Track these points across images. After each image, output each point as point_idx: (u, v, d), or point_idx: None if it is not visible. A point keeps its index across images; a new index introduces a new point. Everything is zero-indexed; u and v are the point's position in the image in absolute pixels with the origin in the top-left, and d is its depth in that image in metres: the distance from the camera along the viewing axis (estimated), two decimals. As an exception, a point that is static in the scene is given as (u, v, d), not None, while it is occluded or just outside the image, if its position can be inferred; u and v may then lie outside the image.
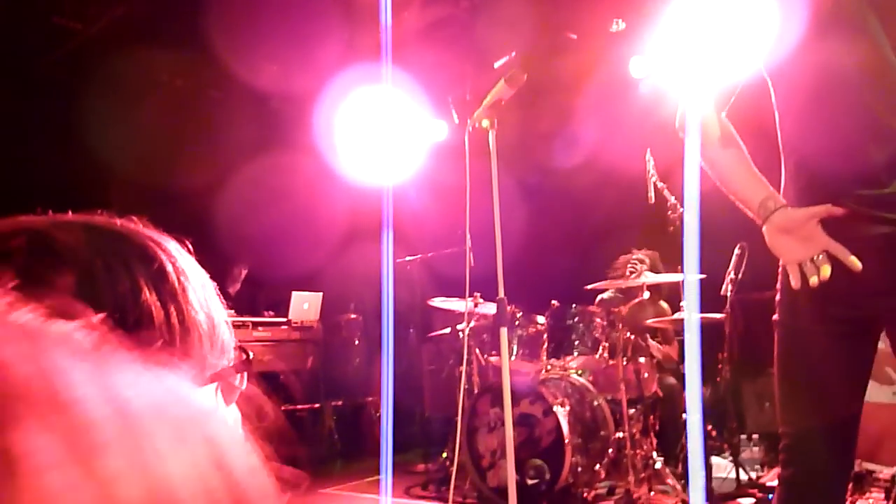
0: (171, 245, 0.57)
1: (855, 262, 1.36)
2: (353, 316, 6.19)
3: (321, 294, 5.89)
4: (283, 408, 5.54)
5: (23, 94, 5.09)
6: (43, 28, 4.68)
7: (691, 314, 3.49)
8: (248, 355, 0.61)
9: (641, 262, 4.24)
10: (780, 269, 1.50)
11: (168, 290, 0.53)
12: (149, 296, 0.52)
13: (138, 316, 0.50)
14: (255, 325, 5.48)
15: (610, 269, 4.42)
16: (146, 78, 5.18)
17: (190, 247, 0.61)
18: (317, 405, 5.82)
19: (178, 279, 0.55)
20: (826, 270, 1.38)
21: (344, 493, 4.60)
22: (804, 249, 1.39)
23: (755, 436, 4.49)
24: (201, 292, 0.56)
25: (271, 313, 5.84)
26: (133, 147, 5.25)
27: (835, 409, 1.44)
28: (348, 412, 5.93)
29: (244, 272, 6.00)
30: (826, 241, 1.39)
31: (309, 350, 5.79)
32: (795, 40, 1.45)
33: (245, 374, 0.60)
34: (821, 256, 1.39)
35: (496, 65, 5.44)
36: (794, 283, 1.41)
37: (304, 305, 5.79)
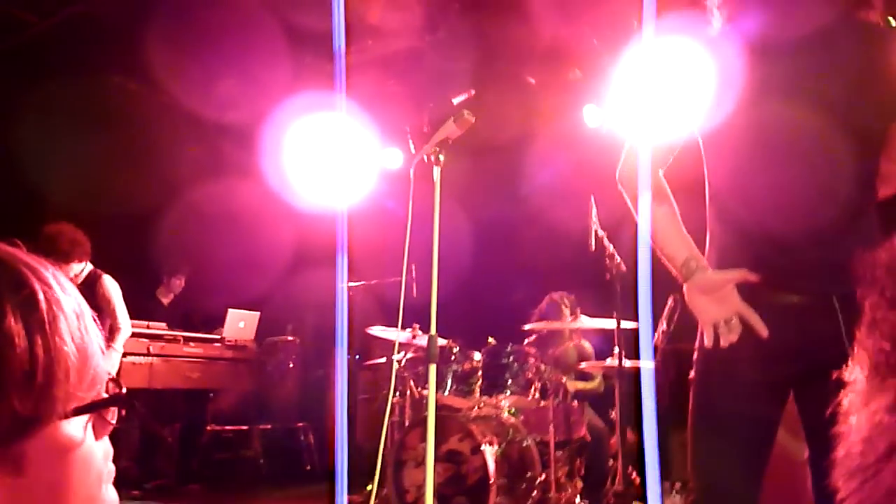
0: (48, 273, 0.56)
1: (762, 328, 1.39)
2: (289, 338, 6.09)
3: (258, 314, 5.86)
4: (209, 428, 5.45)
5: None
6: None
7: (645, 362, 3.48)
8: (121, 389, 0.60)
9: (570, 304, 4.30)
10: (698, 329, 1.53)
11: (36, 319, 0.52)
12: (13, 323, 0.51)
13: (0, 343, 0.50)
14: (187, 340, 5.38)
15: (537, 310, 4.47)
16: (95, 78, 5.03)
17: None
18: (245, 427, 5.66)
19: (49, 308, 0.53)
20: (735, 333, 1.40)
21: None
22: (719, 311, 1.42)
23: (678, 484, 4.53)
24: (74, 322, 0.55)
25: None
26: (76, 147, 5.13)
27: (739, 465, 1.47)
28: (278, 436, 5.78)
29: (181, 283, 5.84)
30: (739, 305, 1.42)
31: (241, 370, 5.70)
32: (727, 107, 1.49)
33: (118, 409, 0.59)
34: (734, 320, 1.41)
35: (455, 101, 5.49)
36: (707, 342, 1.44)
37: (240, 324, 5.77)
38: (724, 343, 1.41)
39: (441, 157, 2.74)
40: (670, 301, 3.84)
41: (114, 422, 0.58)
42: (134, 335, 4.83)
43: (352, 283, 5.04)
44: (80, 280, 3.91)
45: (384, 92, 5.24)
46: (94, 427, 0.56)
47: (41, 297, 0.54)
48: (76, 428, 0.54)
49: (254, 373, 5.75)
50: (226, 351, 5.59)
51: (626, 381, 3.86)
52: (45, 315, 0.53)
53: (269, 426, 5.75)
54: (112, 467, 0.59)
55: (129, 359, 4.85)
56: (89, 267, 3.97)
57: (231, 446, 5.64)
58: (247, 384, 5.72)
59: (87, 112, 5.13)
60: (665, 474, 4.32)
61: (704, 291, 1.45)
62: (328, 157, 5.04)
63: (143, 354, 5.00)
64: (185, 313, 5.74)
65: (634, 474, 4.07)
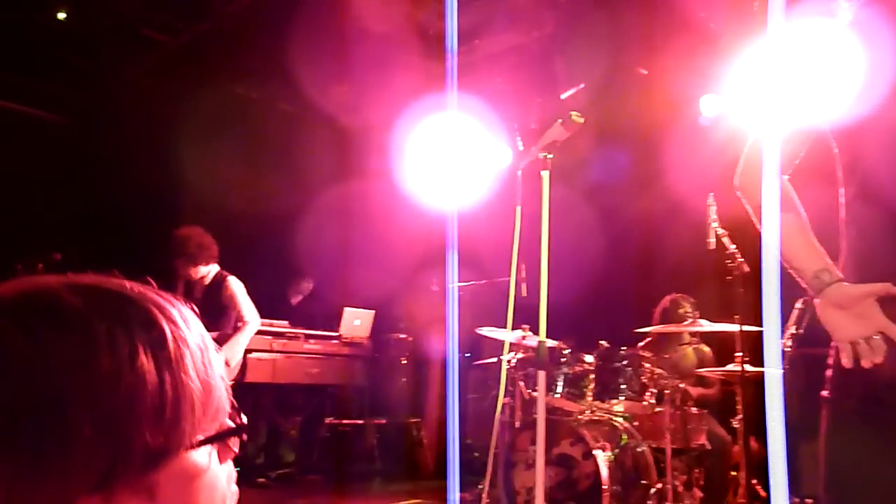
0: (175, 311, 0.59)
1: None
2: (402, 336, 6.15)
3: (373, 312, 5.92)
4: (328, 421, 5.64)
5: (108, 102, 5.36)
6: (131, 38, 4.89)
7: (771, 369, 3.25)
8: (242, 417, 0.63)
9: (691, 307, 4.09)
10: (831, 345, 1.38)
11: (165, 356, 0.56)
12: (145, 362, 0.54)
13: (133, 381, 0.53)
14: (307, 337, 5.53)
15: (653, 312, 4.27)
16: (225, 92, 5.35)
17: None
18: (360, 421, 5.79)
19: (177, 346, 0.57)
20: (879, 354, 1.27)
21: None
22: (858, 328, 1.29)
23: (809, 501, 4.20)
24: (199, 358, 0.58)
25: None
26: (210, 155, 5.40)
27: (875, 496, 1.33)
28: (391, 431, 5.88)
29: (309, 286, 6.09)
30: (883, 322, 1.28)
31: (357, 366, 5.82)
32: (876, 101, 1.34)
33: (240, 437, 0.62)
34: (876, 338, 1.28)
35: (563, 96, 5.37)
36: (846, 361, 1.31)
37: (356, 321, 5.84)
38: (865, 364, 1.28)
39: (549, 158, 2.69)
40: (800, 303, 3.57)
41: (236, 449, 0.62)
42: (259, 332, 5.02)
43: (462, 283, 5.01)
44: (207, 281, 4.10)
45: (493, 90, 5.19)
46: (218, 453, 0.60)
47: (169, 335, 0.57)
48: (202, 456, 0.58)
49: (369, 369, 5.86)
50: (343, 347, 5.71)
51: (750, 389, 3.63)
52: (173, 353, 0.56)
53: (383, 421, 5.85)
54: (235, 489, 0.62)
55: (255, 355, 5.05)
56: (216, 269, 4.17)
57: (348, 439, 5.76)
58: (362, 380, 5.85)
59: (220, 121, 5.42)
60: (795, 489, 4.04)
61: (840, 306, 1.32)
62: (441, 157, 5.06)
63: (267, 351, 5.20)
64: (308, 312, 5.94)
65: (758, 487, 3.82)
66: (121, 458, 0.52)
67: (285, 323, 5.47)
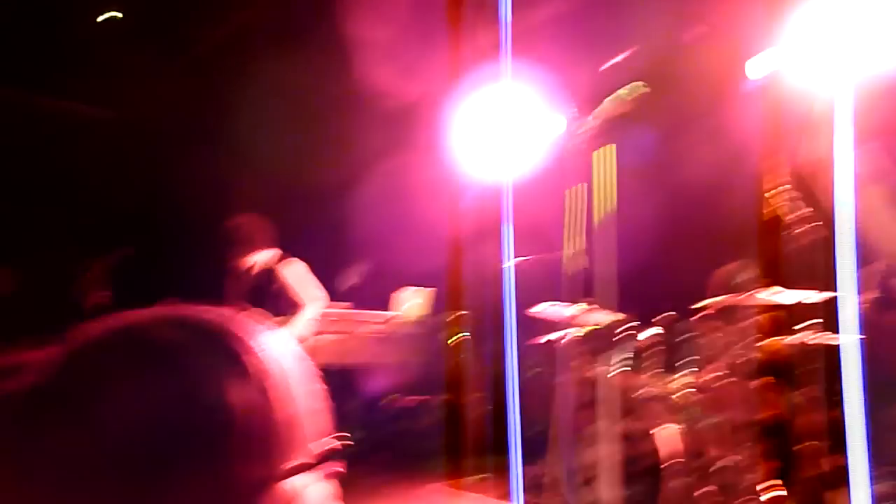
0: (261, 341, 0.59)
1: None
2: (462, 312, 5.97)
3: (433, 290, 5.88)
4: (393, 398, 5.68)
5: (158, 95, 5.40)
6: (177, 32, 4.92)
7: (848, 336, 3.11)
8: (337, 443, 0.64)
9: (753, 274, 3.91)
10: None
11: (252, 389, 0.56)
12: (233, 396, 0.55)
13: (223, 417, 0.54)
14: (369, 318, 5.64)
15: (718, 281, 4.10)
16: (273, 77, 5.34)
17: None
18: (423, 398, 5.81)
19: (264, 379, 0.57)
20: None
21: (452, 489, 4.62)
22: None
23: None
24: (286, 388, 0.59)
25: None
26: (261, 147, 5.50)
27: None
28: (454, 407, 5.87)
29: (366, 268, 6.16)
30: None
31: (419, 344, 5.82)
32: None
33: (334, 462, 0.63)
34: None
35: (616, 59, 5.19)
36: None
37: (416, 300, 5.91)
38: None
39: (607, 130, 2.61)
40: (882, 265, 3.37)
41: (330, 472, 0.63)
42: (323, 315, 5.14)
43: (519, 258, 4.86)
44: (267, 266, 4.12)
45: (545, 59, 5.05)
46: (314, 477, 0.61)
47: (256, 368, 0.57)
48: (298, 481, 0.58)
49: (430, 346, 5.78)
50: (404, 326, 5.78)
51: (825, 357, 3.43)
52: (261, 385, 0.57)
53: (446, 397, 5.84)
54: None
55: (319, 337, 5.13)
56: (275, 253, 4.19)
57: (413, 416, 5.80)
58: (424, 357, 5.77)
59: (270, 106, 5.42)
60: (875, 458, 3.83)
61: None
62: (494, 129, 4.90)
63: (332, 333, 5.28)
64: (368, 292, 5.99)
65: (834, 457, 3.65)
66: (216, 496, 0.53)
67: (348, 304, 5.56)
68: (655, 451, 3.26)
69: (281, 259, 4.23)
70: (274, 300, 4.12)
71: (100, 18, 4.85)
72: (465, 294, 5.90)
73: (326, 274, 5.07)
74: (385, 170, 5.75)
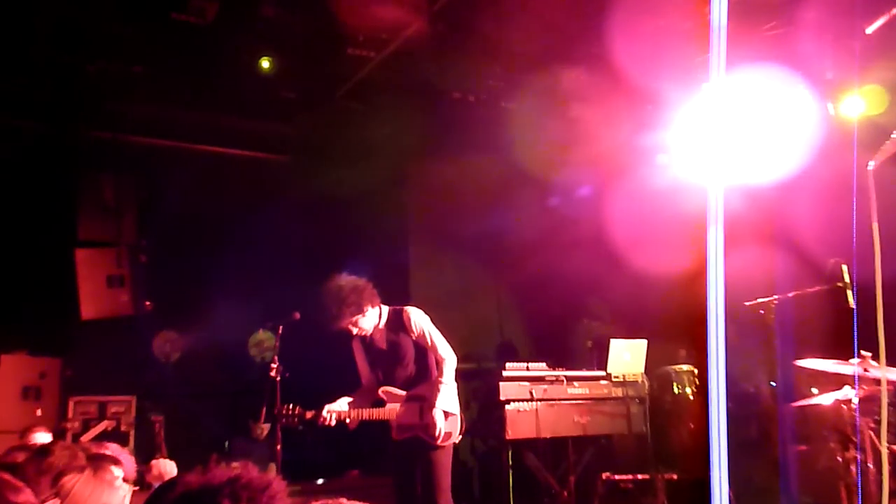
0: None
1: None
2: (684, 367, 5.28)
3: (645, 341, 5.22)
4: (604, 476, 4.90)
5: (324, 123, 5.51)
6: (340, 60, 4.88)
7: None
8: None
9: None
10: None
11: None
12: None
13: None
14: (570, 380, 5.00)
15: None
16: (434, 93, 5.25)
17: None
18: (645, 476, 4.93)
19: None
20: None
21: None
22: None
23: None
24: None
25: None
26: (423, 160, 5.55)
27: None
28: (685, 488, 4.89)
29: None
30: None
31: (633, 409, 5.10)
32: None
33: None
34: None
35: (869, 30, 4.22)
36: None
37: (625, 355, 5.17)
38: None
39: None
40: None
41: None
42: (515, 379, 4.77)
43: (762, 299, 4.16)
44: (381, 323, 3.70)
45: (780, 41, 4.15)
46: None
47: None
48: None
49: (648, 412, 5.08)
50: (614, 388, 5.09)
51: None
52: None
53: (673, 476, 4.87)
54: None
55: (514, 406, 4.71)
56: (386, 308, 3.74)
57: (631, 498, 4.96)
58: (641, 425, 5.03)
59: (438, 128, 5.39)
60: None
61: None
62: (713, 131, 4.21)
63: (527, 400, 4.75)
64: (565, 348, 5.52)
65: None
66: None
67: (542, 365, 5.00)
68: None
69: (399, 310, 3.76)
70: (412, 362, 3.68)
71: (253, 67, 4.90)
72: (689, 343, 5.39)
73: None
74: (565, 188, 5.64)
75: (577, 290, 5.69)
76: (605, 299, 5.70)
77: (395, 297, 3.93)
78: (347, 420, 3.51)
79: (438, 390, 3.54)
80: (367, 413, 3.55)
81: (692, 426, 5.04)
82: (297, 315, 3.69)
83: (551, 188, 5.84)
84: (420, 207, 6.05)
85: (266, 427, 3.56)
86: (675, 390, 5.19)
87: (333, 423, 3.48)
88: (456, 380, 3.66)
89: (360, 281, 3.64)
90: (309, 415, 3.47)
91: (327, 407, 3.48)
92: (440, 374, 3.60)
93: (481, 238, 5.84)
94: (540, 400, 4.76)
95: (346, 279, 3.63)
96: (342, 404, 3.54)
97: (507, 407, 4.63)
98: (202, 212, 5.31)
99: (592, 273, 5.38)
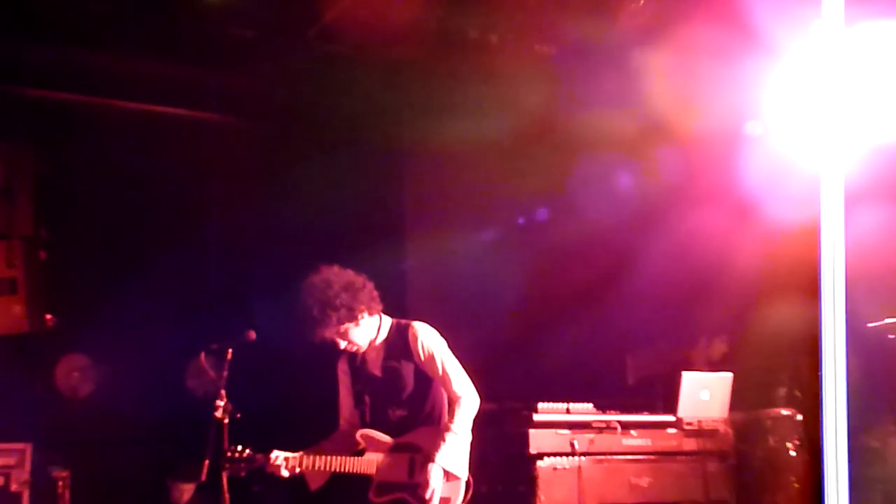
0: None
1: None
2: (784, 412, 5.42)
3: (730, 375, 5.41)
4: None
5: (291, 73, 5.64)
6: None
7: None
8: None
9: None
10: None
11: None
12: None
13: None
14: (627, 427, 5.19)
15: None
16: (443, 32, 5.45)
17: None
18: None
19: None
20: None
21: None
22: None
23: None
24: None
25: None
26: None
27: None
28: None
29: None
30: None
31: (713, 468, 5.28)
32: None
33: None
34: None
35: None
36: None
37: (703, 394, 5.36)
38: None
39: None
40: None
41: None
42: (550, 425, 4.89)
43: (889, 320, 4.44)
44: (378, 339, 3.72)
45: None
46: None
47: None
48: None
49: (734, 473, 5.28)
50: (685, 439, 5.24)
51: None
52: None
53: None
54: None
55: (549, 462, 4.80)
56: (388, 320, 3.78)
57: None
58: (725, 491, 5.21)
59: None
60: None
61: None
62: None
63: (567, 454, 4.89)
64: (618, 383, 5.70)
65: None
66: None
67: (587, 406, 5.17)
68: None
69: (404, 325, 3.78)
70: (411, 394, 3.68)
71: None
72: (785, 378, 5.67)
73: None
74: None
75: (638, 302, 5.80)
76: (678, 315, 5.82)
77: (386, 308, 3.93)
78: (299, 469, 3.49)
79: (443, 440, 3.51)
80: (337, 463, 3.52)
81: (795, 487, 5.14)
82: (252, 334, 3.64)
83: (607, 160, 5.91)
84: (422, 189, 6.15)
85: (188, 490, 3.54)
86: (771, 443, 5.27)
87: (284, 472, 3.46)
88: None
89: (356, 277, 3.63)
90: (260, 458, 3.46)
91: (276, 452, 3.47)
92: (451, 417, 3.58)
93: (505, 230, 5.97)
94: (585, 454, 4.85)
95: (337, 273, 3.61)
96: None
97: (538, 464, 4.70)
98: (124, 193, 5.32)
99: (660, 278, 5.54)
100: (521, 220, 6.43)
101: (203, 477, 3.42)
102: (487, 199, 6.05)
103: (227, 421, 3.47)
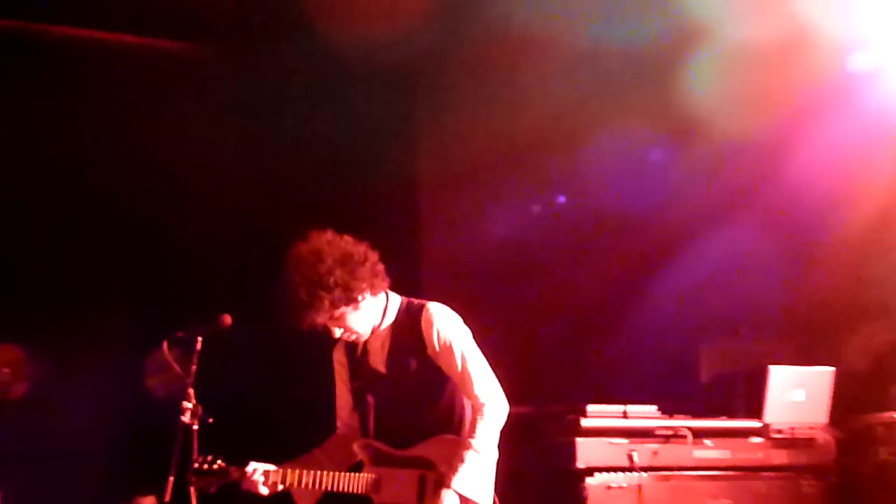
0: None
1: None
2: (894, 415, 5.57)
3: (831, 370, 5.50)
4: None
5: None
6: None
7: None
8: None
9: None
10: None
11: None
12: None
13: None
14: (699, 434, 5.24)
15: None
16: None
17: None
18: None
19: None
20: None
21: None
22: None
23: None
24: None
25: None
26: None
27: None
28: None
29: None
30: None
31: (808, 487, 5.33)
32: None
33: None
34: None
35: None
36: None
37: (795, 394, 5.41)
38: None
39: None
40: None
41: None
42: (602, 433, 4.97)
43: None
44: (383, 325, 3.64)
45: None
46: None
47: None
48: None
49: (835, 490, 5.35)
50: (773, 450, 5.31)
51: None
52: None
53: None
54: None
55: (601, 479, 4.87)
56: (396, 299, 3.70)
57: None
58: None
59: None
60: None
61: None
62: None
63: (625, 469, 4.96)
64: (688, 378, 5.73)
65: None
66: None
67: (650, 409, 5.29)
68: None
69: (417, 306, 3.69)
70: (420, 393, 3.61)
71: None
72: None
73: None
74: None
75: (715, 283, 5.85)
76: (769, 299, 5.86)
77: (394, 285, 3.85)
78: (281, 486, 3.42)
79: (462, 460, 3.40)
80: (329, 480, 3.42)
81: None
82: (227, 319, 3.55)
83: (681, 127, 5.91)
84: (438, 144, 6.12)
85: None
86: (883, 456, 5.35)
87: (263, 489, 3.40)
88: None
89: (356, 247, 3.53)
90: (235, 471, 3.39)
91: (254, 464, 3.40)
92: (472, 430, 3.49)
93: (543, 194, 5.99)
94: (646, 469, 4.94)
95: (330, 242, 3.50)
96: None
97: (588, 481, 4.78)
98: (66, 138, 5.29)
99: (741, 254, 5.62)
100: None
101: (167, 497, 3.27)
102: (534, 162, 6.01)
103: (196, 426, 3.35)
